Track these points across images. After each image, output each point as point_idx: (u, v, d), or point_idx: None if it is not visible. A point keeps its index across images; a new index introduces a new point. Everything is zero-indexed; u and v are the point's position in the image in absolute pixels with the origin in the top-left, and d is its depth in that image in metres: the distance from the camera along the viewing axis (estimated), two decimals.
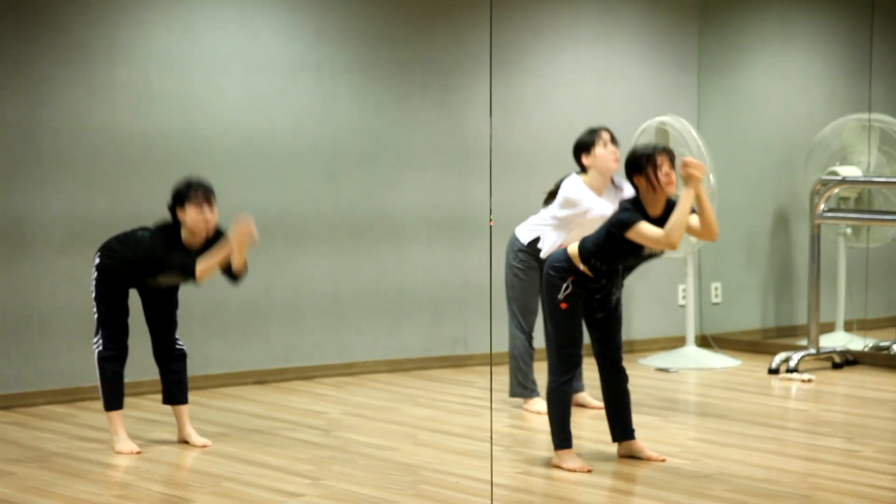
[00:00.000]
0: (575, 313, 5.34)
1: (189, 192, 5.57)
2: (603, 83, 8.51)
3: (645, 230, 5.14)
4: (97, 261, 5.70)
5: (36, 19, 6.67)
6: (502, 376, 7.42)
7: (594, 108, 8.46)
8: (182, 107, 7.10)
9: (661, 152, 5.23)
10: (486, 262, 7.93)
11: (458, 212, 7.93)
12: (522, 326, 6.54)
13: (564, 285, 5.29)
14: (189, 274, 5.56)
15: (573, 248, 5.33)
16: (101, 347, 5.67)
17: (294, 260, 7.47)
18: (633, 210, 5.19)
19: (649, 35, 8.68)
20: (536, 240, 6.44)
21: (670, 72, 8.77)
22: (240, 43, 7.28)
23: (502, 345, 7.79)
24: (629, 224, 5.15)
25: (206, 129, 7.17)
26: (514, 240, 6.53)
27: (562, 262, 5.33)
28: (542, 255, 6.37)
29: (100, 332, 5.68)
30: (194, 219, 5.54)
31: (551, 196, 6.47)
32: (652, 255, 5.32)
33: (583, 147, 6.32)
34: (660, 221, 5.21)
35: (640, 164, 5.22)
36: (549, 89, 8.31)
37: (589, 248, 5.27)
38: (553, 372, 5.36)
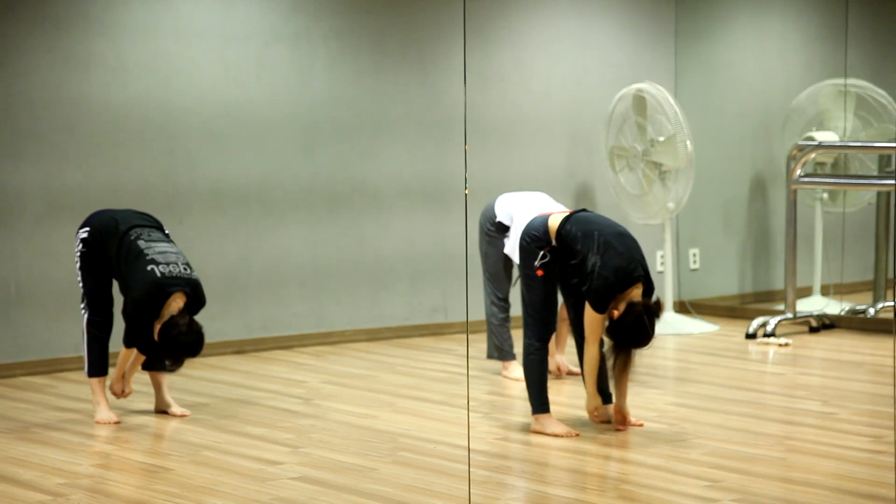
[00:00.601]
0: (550, 280, 5.36)
1: (174, 355, 5.48)
2: (580, 51, 8.51)
3: (593, 321, 5.25)
4: (84, 235, 5.65)
5: None
6: (482, 343, 7.44)
7: (572, 77, 8.47)
8: (157, 78, 7.07)
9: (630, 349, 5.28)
10: (461, 228, 7.93)
11: (437, 181, 7.94)
12: (496, 293, 6.56)
13: (541, 253, 5.31)
14: (125, 337, 5.58)
15: (553, 222, 5.33)
16: (87, 314, 5.66)
17: (272, 230, 7.47)
18: (604, 301, 5.22)
19: (626, 2, 8.68)
20: (507, 227, 6.43)
21: (647, 39, 8.77)
22: (215, 13, 7.26)
23: (478, 312, 7.82)
24: (596, 304, 5.22)
25: (181, 100, 7.14)
26: (491, 211, 6.52)
27: (538, 232, 5.34)
28: (506, 250, 6.42)
29: (85, 300, 5.67)
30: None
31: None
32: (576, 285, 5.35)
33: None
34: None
35: (622, 331, 5.21)
36: (526, 58, 8.31)
37: (567, 236, 5.27)
38: (528, 337, 5.38)
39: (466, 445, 5.10)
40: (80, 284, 5.68)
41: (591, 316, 5.26)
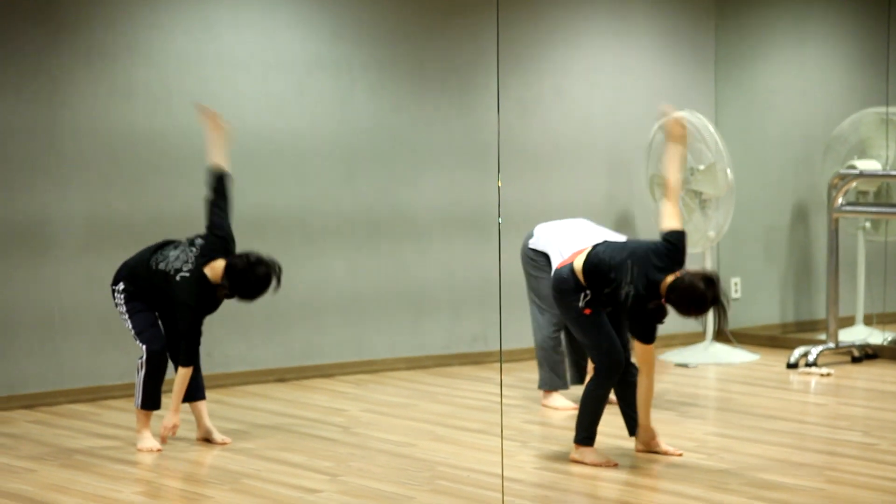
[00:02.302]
0: (600, 314, 5.33)
1: (250, 289, 5.64)
2: (620, 79, 8.52)
3: (645, 351, 5.21)
4: (122, 286, 5.75)
5: (56, 21, 6.73)
6: (521, 372, 7.45)
7: (611, 104, 8.48)
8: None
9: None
10: (504, 256, 7.93)
11: (476, 208, 7.95)
12: (552, 319, 6.51)
13: (582, 295, 5.29)
14: (189, 353, 5.66)
15: (578, 264, 5.32)
16: (147, 347, 5.68)
17: (313, 258, 7.52)
18: (649, 332, 5.21)
19: (666, 30, 8.69)
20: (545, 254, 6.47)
21: (687, 67, 8.77)
22: (257, 42, 7.33)
23: (517, 340, 7.82)
24: (642, 337, 5.20)
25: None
26: (530, 241, 6.53)
27: (569, 283, 5.32)
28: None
29: (139, 337, 5.70)
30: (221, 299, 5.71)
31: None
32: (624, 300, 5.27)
33: None
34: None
35: (678, 299, 5.12)
36: (566, 86, 8.33)
37: (598, 265, 5.24)
38: (598, 374, 5.36)
39: (506, 475, 5.10)
40: (131, 328, 5.74)
41: (641, 347, 5.25)
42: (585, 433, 5.38)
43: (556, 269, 5.45)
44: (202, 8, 7.15)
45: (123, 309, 5.77)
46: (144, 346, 5.70)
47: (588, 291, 5.29)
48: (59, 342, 6.77)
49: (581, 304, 5.29)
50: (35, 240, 6.70)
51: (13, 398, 6.63)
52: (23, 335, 6.68)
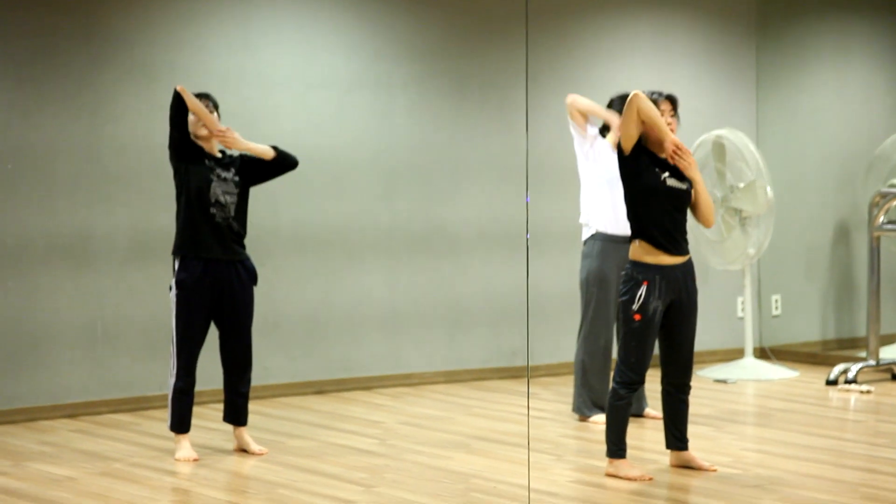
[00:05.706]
0: (647, 328, 5.26)
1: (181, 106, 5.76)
2: None
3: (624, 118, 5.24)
4: (176, 265, 5.75)
5: (100, 41, 6.85)
6: (558, 386, 7.46)
7: None
8: (241, 124, 7.19)
9: (664, 101, 5.29)
10: (546, 272, 7.96)
11: (515, 224, 7.98)
12: (598, 336, 6.52)
13: (638, 293, 5.24)
14: (177, 100, 5.77)
15: (632, 251, 5.34)
16: (174, 377, 5.73)
17: (352, 272, 7.58)
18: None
19: (707, 49, 8.70)
20: (591, 236, 6.51)
21: (728, 85, 8.77)
22: (298, 61, 7.42)
23: (553, 355, 7.83)
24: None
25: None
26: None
27: (629, 267, 5.32)
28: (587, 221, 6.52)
29: (175, 361, 5.73)
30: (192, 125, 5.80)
31: None
32: (676, 192, 5.28)
33: None
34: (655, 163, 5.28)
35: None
36: (605, 103, 8.33)
37: (629, 213, 5.31)
38: (617, 381, 5.33)
39: (539, 488, 5.13)
40: (174, 339, 5.72)
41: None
42: (615, 446, 5.38)
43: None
44: (243, 27, 7.24)
45: (173, 311, 5.72)
46: (172, 378, 5.72)
47: (643, 291, 5.24)
48: (102, 353, 6.87)
49: (635, 305, 5.25)
50: (79, 253, 6.80)
51: (56, 408, 6.73)
52: (66, 346, 6.78)
